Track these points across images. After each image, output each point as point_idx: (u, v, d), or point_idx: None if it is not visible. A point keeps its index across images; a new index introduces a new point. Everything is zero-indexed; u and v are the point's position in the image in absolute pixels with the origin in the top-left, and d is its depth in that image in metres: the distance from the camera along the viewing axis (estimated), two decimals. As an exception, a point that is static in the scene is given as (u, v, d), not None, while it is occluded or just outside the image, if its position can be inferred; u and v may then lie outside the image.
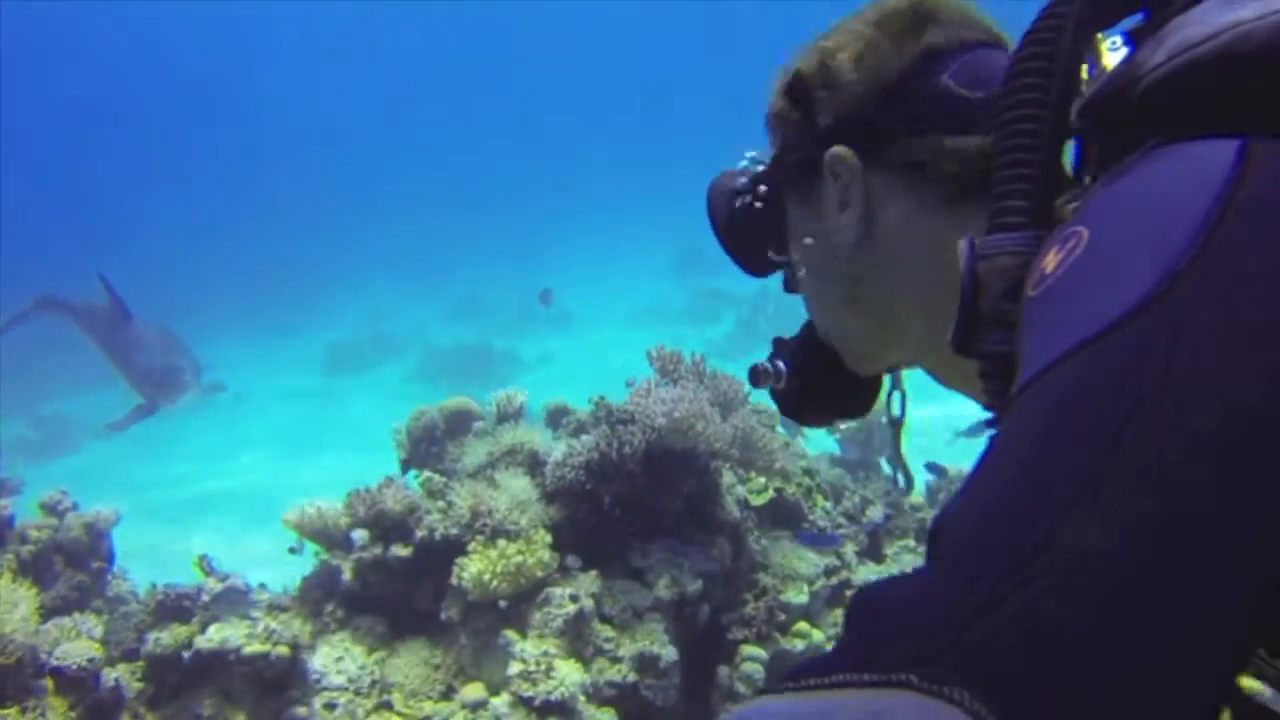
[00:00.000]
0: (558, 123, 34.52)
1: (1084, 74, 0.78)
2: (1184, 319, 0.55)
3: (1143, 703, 0.46)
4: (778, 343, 1.16)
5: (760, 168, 1.09)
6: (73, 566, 3.98)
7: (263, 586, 3.78)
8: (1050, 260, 0.66)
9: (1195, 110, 0.67)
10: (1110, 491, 0.50)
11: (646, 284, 16.39)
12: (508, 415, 4.24)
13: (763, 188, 1.07)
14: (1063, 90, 0.77)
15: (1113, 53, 0.78)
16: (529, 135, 32.75)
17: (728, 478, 3.84)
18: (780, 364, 1.13)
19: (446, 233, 21.00)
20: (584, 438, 3.65)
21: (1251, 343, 0.53)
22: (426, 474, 3.78)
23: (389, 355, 14.28)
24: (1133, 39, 0.77)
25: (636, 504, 3.54)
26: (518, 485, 3.56)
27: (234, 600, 3.47)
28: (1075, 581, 0.47)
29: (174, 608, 3.43)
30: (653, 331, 13.95)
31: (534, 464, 3.80)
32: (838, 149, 0.96)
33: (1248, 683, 0.63)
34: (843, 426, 5.19)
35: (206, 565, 3.55)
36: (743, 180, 1.10)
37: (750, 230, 1.09)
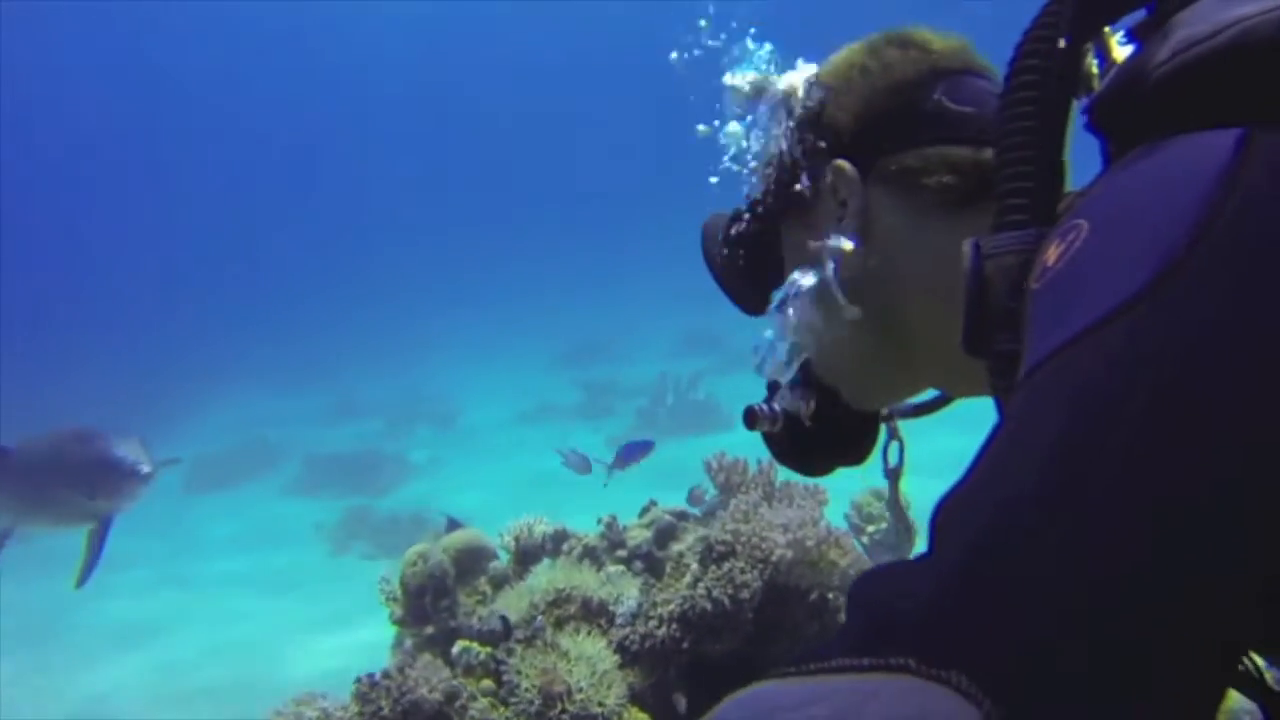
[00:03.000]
0: (428, 211, 33.15)
1: (1094, 69, 0.79)
2: (1180, 310, 0.54)
3: (1137, 687, 0.45)
4: (773, 386, 1.12)
5: (753, 197, 1.06)
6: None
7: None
8: (1052, 253, 0.66)
9: (1202, 106, 0.66)
10: (1105, 482, 0.50)
11: (533, 379, 15.40)
12: (530, 551, 3.28)
13: (759, 209, 1.05)
14: (1060, 89, 0.77)
15: (1121, 47, 0.77)
16: (396, 227, 31.26)
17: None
18: (777, 407, 1.09)
19: (314, 330, 19.42)
20: (682, 582, 2.74)
21: (1244, 333, 0.53)
22: (462, 644, 2.76)
23: (262, 467, 12.70)
24: (1136, 35, 0.76)
25: (745, 661, 2.66)
26: (591, 650, 2.62)
27: None
28: (1072, 570, 0.47)
29: None
30: (549, 429, 12.99)
31: (587, 613, 2.86)
32: (837, 163, 0.96)
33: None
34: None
35: None
36: (737, 209, 1.08)
37: (747, 261, 1.07)
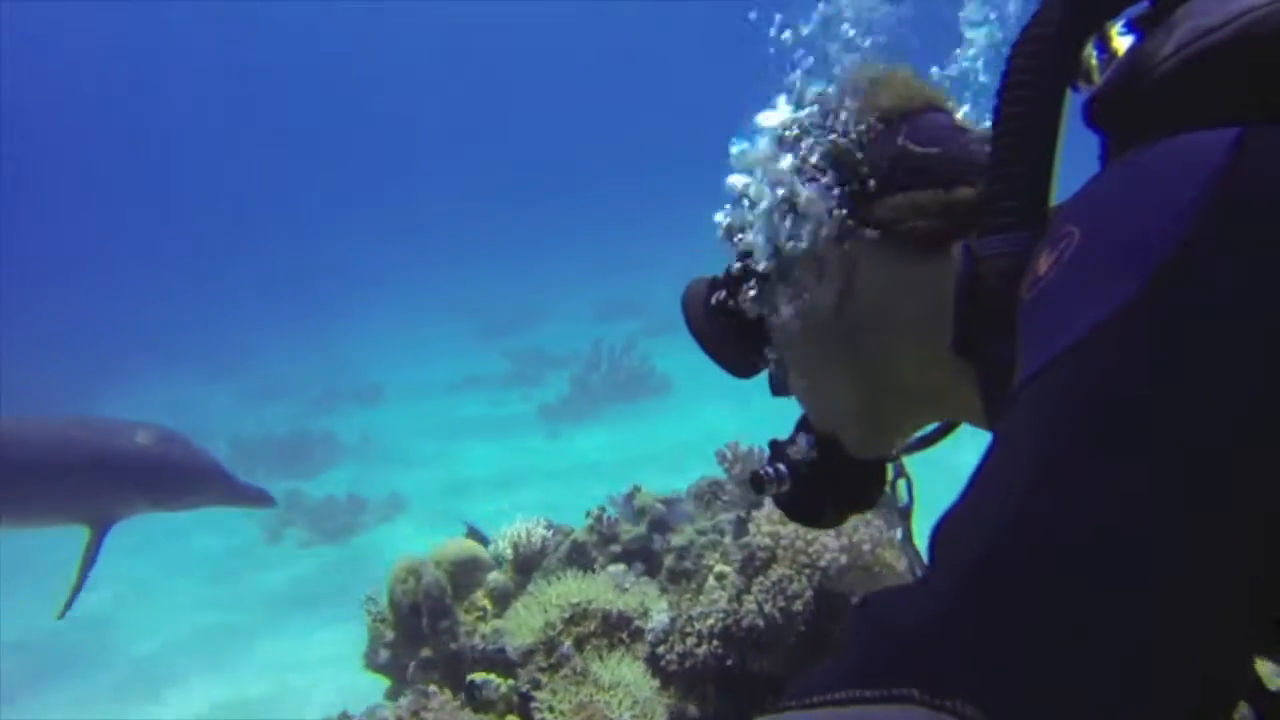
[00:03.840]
0: (338, 184, 31.75)
1: (1093, 61, 0.76)
2: (1170, 322, 0.53)
3: (1143, 708, 0.44)
4: (775, 446, 1.10)
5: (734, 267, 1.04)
6: None
7: None
8: (1043, 262, 0.65)
9: (1210, 99, 0.64)
10: (1104, 499, 0.49)
11: (458, 350, 14.84)
12: (530, 559, 2.97)
13: (746, 276, 1.02)
14: (1053, 92, 0.75)
15: (1122, 38, 0.74)
16: (306, 203, 29.85)
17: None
18: (782, 468, 1.07)
19: (224, 311, 18.36)
20: (718, 593, 2.47)
21: (1230, 345, 0.52)
22: (479, 675, 2.44)
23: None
24: (1137, 26, 0.73)
25: (788, 676, 2.42)
26: (628, 675, 2.33)
27: None
28: (1071, 594, 0.46)
29: None
30: (479, 400, 12.56)
31: (608, 629, 2.57)
32: None
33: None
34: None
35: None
36: (715, 277, 1.07)
37: (727, 325, 1.05)
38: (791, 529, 2.43)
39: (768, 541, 2.42)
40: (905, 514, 1.09)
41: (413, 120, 35.92)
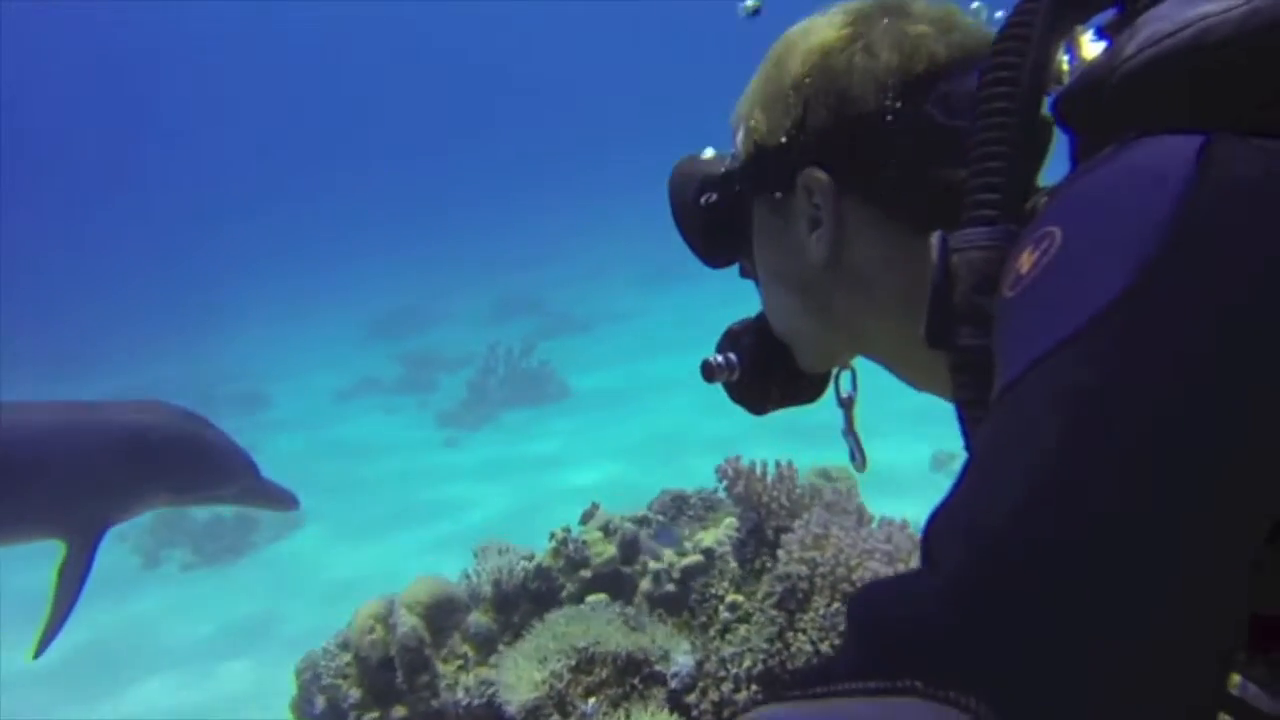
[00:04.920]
0: (207, 180, 29.83)
1: (1064, 65, 0.77)
2: (1149, 323, 0.55)
3: (1144, 698, 0.45)
4: (728, 335, 1.12)
5: (730, 165, 1.02)
6: None
7: None
8: (1025, 260, 0.65)
9: (1166, 102, 0.66)
10: (1091, 495, 0.49)
11: (347, 353, 14.03)
12: (511, 596, 2.59)
13: (733, 187, 1.01)
14: (1032, 87, 0.76)
15: (1092, 44, 0.76)
16: (175, 199, 27.88)
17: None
18: (732, 357, 1.09)
19: (87, 311, 16.84)
20: (743, 632, 2.16)
21: (1217, 343, 0.53)
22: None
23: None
24: (1106, 33, 0.76)
25: None
26: (661, 734, 2.00)
27: None
28: (1066, 585, 0.47)
29: None
30: (371, 406, 11.86)
31: (620, 676, 2.23)
32: (813, 172, 0.90)
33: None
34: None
35: None
36: (709, 173, 1.03)
37: (712, 226, 1.04)
38: (830, 554, 2.15)
39: (804, 570, 2.13)
40: (848, 404, 1.08)
41: (296, 112, 34.37)
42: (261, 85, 34.96)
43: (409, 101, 35.14)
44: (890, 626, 0.50)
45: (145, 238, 23.06)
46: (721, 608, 2.42)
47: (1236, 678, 0.66)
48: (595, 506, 3.55)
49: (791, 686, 0.49)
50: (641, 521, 3.30)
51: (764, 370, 1.08)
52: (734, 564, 2.58)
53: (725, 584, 2.48)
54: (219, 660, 6.03)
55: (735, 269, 1.12)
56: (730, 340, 1.11)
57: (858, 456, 1.11)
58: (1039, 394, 0.55)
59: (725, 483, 2.65)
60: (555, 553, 3.12)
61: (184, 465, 3.14)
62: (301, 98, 35.24)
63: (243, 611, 6.60)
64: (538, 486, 8.06)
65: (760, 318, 1.09)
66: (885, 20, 0.88)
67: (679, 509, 3.50)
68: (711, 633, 2.27)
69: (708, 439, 7.79)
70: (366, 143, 32.49)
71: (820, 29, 0.91)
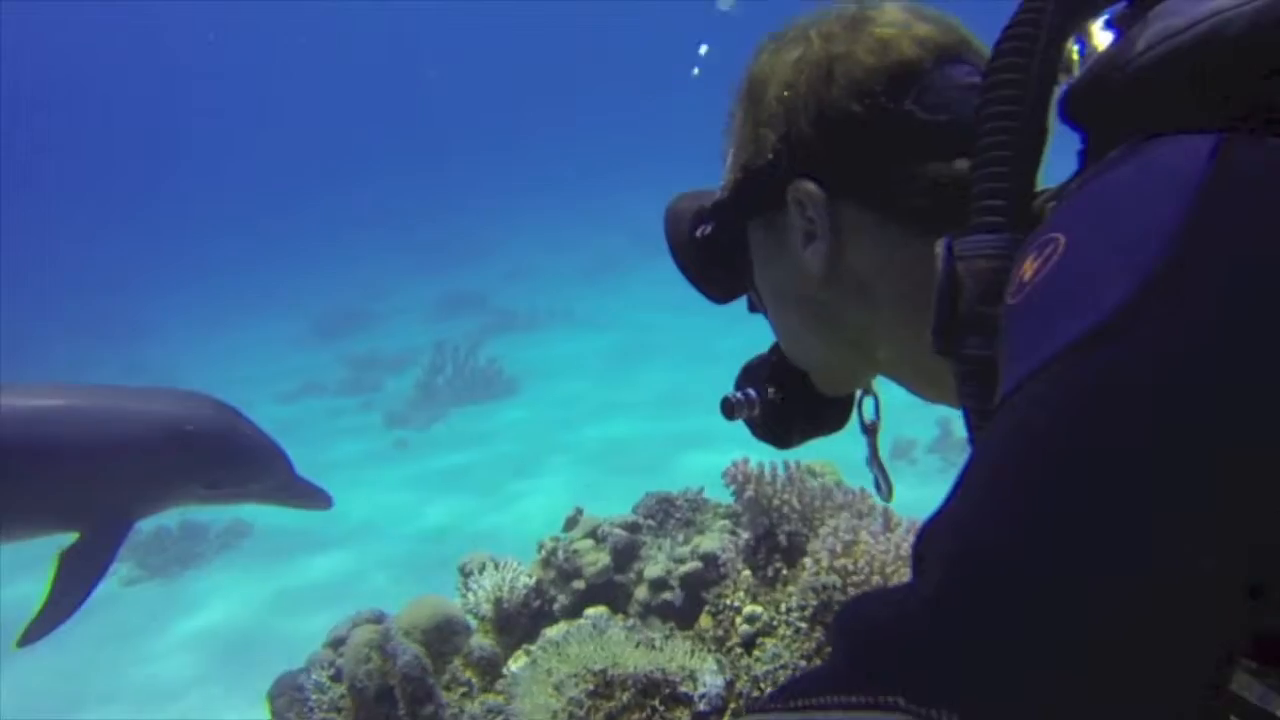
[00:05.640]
0: (128, 182, 28.72)
1: (1075, 55, 0.75)
2: (1155, 332, 0.53)
3: (1128, 713, 0.44)
4: (745, 370, 1.11)
5: (721, 194, 1.00)
6: None
7: None
8: (1028, 267, 0.63)
9: (1178, 98, 0.65)
10: (1086, 509, 0.48)
11: (289, 356, 13.58)
12: (513, 616, 2.42)
13: (727, 215, 0.99)
14: (1039, 91, 0.74)
15: (1102, 34, 0.74)
16: (97, 200, 26.77)
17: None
18: (751, 392, 1.07)
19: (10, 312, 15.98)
20: (771, 648, 2.02)
21: (1221, 357, 0.51)
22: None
23: None
24: (1116, 24, 0.73)
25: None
26: (697, 765, 1.85)
27: None
28: (1053, 602, 0.45)
29: None
30: (316, 409, 11.48)
31: (642, 699, 2.09)
32: (802, 183, 0.89)
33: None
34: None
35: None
36: (702, 207, 1.02)
37: (710, 258, 1.02)
38: (863, 562, 2.03)
39: (836, 580, 2.01)
40: (871, 431, 1.06)
41: (227, 102, 33.35)
42: (185, 89, 33.93)
43: (338, 102, 34.40)
44: (876, 640, 0.48)
45: (53, 242, 22.12)
46: (739, 619, 2.29)
47: (1252, 681, 0.64)
48: (579, 511, 3.39)
49: (772, 697, 0.48)
50: (632, 527, 3.15)
51: (784, 402, 1.06)
52: (746, 571, 2.45)
53: (741, 594, 2.35)
54: (177, 683, 5.72)
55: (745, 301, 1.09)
56: (748, 376, 1.10)
57: (883, 486, 1.08)
58: (1031, 408, 0.54)
59: (733, 488, 2.52)
60: (544, 564, 2.96)
61: (220, 458, 2.89)
62: (227, 101, 34.28)
63: (180, 623, 6.28)
64: (494, 489, 7.87)
65: (775, 349, 1.08)
66: (853, 28, 0.88)
67: (666, 512, 3.36)
68: (731, 646, 2.14)
69: (667, 434, 7.71)
70: (300, 141, 31.68)
71: (790, 46, 0.91)
